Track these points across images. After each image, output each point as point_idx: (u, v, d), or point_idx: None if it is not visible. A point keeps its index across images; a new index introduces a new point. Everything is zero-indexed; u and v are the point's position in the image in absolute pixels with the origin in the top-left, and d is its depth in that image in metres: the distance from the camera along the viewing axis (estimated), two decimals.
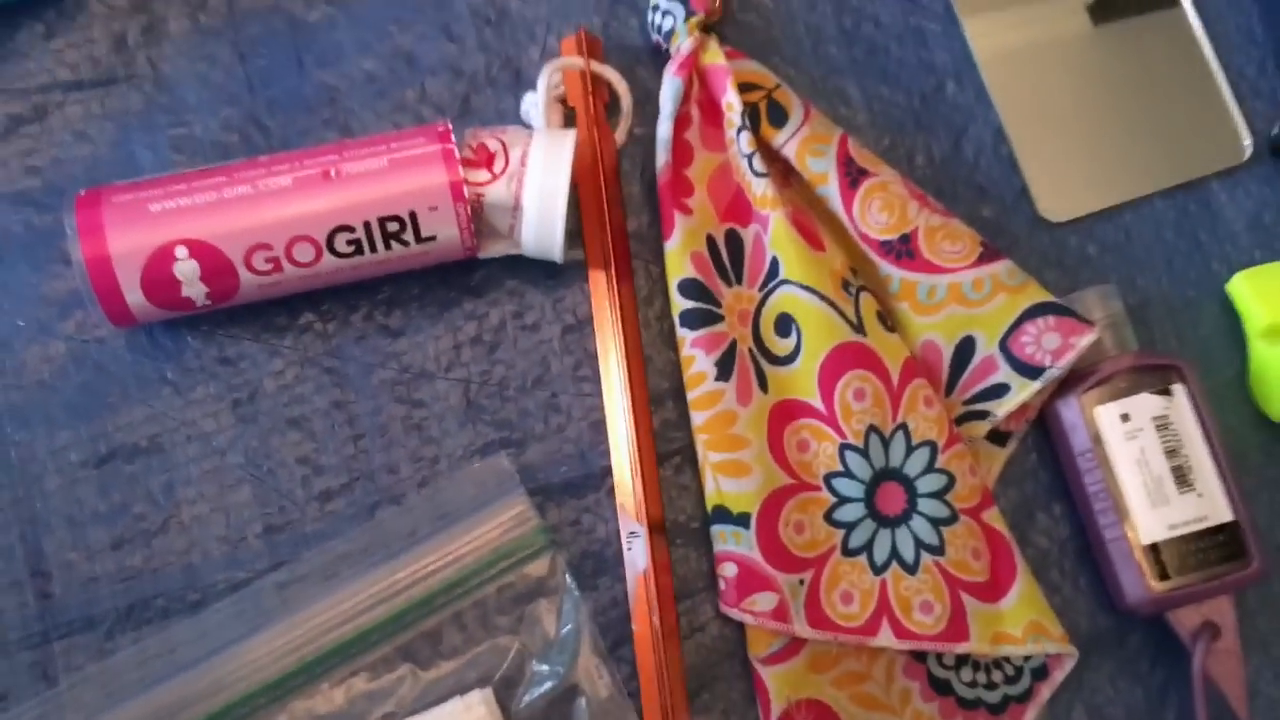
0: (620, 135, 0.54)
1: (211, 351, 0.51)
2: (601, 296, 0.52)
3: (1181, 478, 0.50)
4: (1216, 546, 0.50)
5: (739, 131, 0.52)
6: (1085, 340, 0.51)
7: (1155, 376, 0.51)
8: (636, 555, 0.50)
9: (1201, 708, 0.50)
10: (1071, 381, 0.52)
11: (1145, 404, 0.51)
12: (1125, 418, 0.51)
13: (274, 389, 0.51)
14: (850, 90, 0.56)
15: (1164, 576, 0.50)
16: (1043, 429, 0.54)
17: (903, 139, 0.56)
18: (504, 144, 0.49)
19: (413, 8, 0.55)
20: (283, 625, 0.49)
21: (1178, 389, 0.51)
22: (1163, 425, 0.51)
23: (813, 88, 0.56)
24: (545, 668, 0.50)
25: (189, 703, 0.48)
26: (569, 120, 0.54)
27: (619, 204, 0.54)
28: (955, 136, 0.56)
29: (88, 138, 0.53)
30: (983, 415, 0.52)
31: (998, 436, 0.54)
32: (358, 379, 0.52)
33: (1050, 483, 0.54)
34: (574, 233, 0.53)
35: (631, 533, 0.51)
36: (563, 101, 0.54)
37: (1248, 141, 0.57)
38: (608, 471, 0.52)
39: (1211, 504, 0.50)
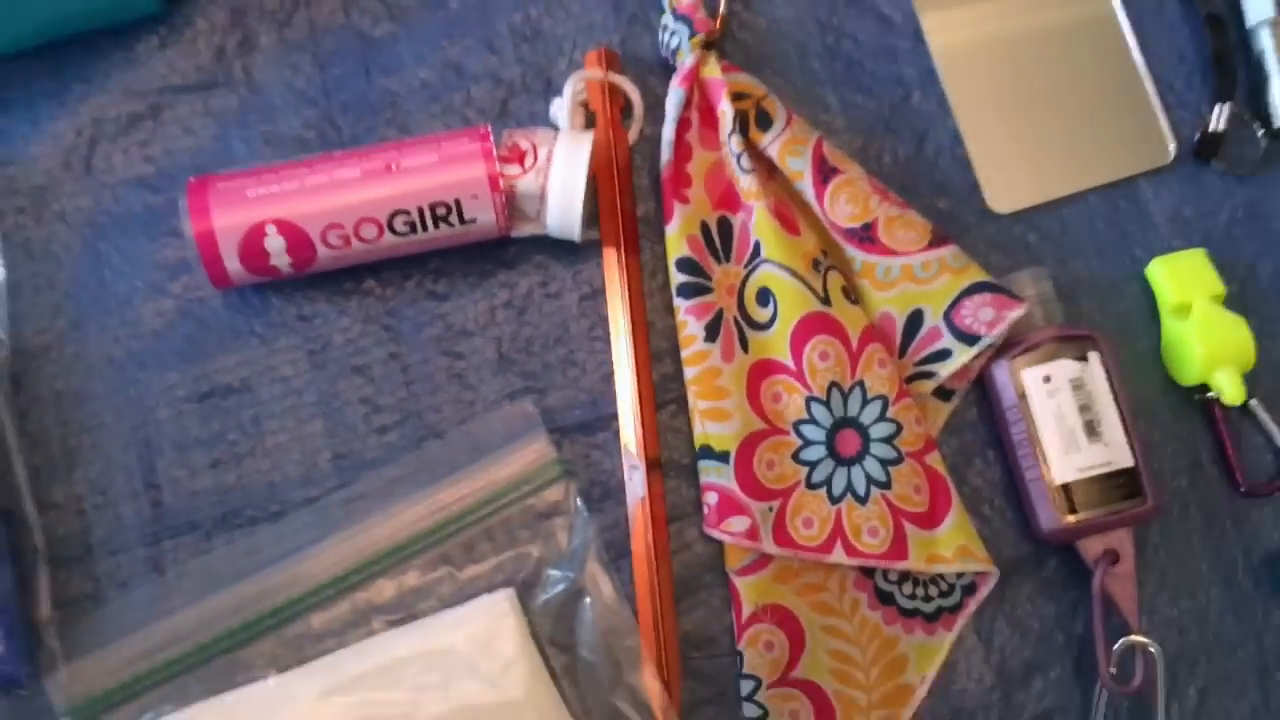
0: (632, 135, 0.65)
1: (292, 310, 0.63)
2: (613, 271, 0.63)
3: (1091, 430, 0.60)
4: (1118, 487, 0.60)
5: (730, 135, 0.62)
6: (1015, 314, 0.61)
7: (1074, 345, 0.61)
8: (635, 485, 0.61)
9: (1099, 618, 0.60)
10: (1005, 348, 0.62)
11: (1064, 368, 0.61)
12: (1047, 379, 0.61)
13: (341, 341, 0.63)
14: (830, 98, 0.66)
15: (1073, 510, 0.60)
16: (981, 388, 0.64)
17: (873, 141, 0.66)
18: (533, 143, 0.60)
19: (461, 25, 0.66)
20: (346, 532, 0.60)
21: (1093, 356, 0.61)
22: (1078, 386, 0.61)
23: (797, 96, 0.66)
24: (558, 573, 0.61)
25: (270, 592, 0.60)
26: (590, 122, 0.64)
27: (630, 193, 0.64)
28: (918, 139, 0.66)
29: (193, 132, 0.64)
30: (929, 375, 0.62)
31: (943, 393, 0.64)
32: (410, 335, 0.63)
33: (986, 433, 0.64)
34: (591, 216, 0.64)
35: (632, 466, 0.61)
36: (585, 106, 0.64)
37: (1173, 146, 0.66)
38: (614, 416, 0.62)
39: (1115, 452, 0.60)
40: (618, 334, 0.63)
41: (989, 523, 0.63)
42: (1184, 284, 0.63)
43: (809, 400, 0.61)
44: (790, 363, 0.61)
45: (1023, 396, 0.61)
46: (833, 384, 0.61)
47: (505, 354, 0.63)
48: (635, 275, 0.63)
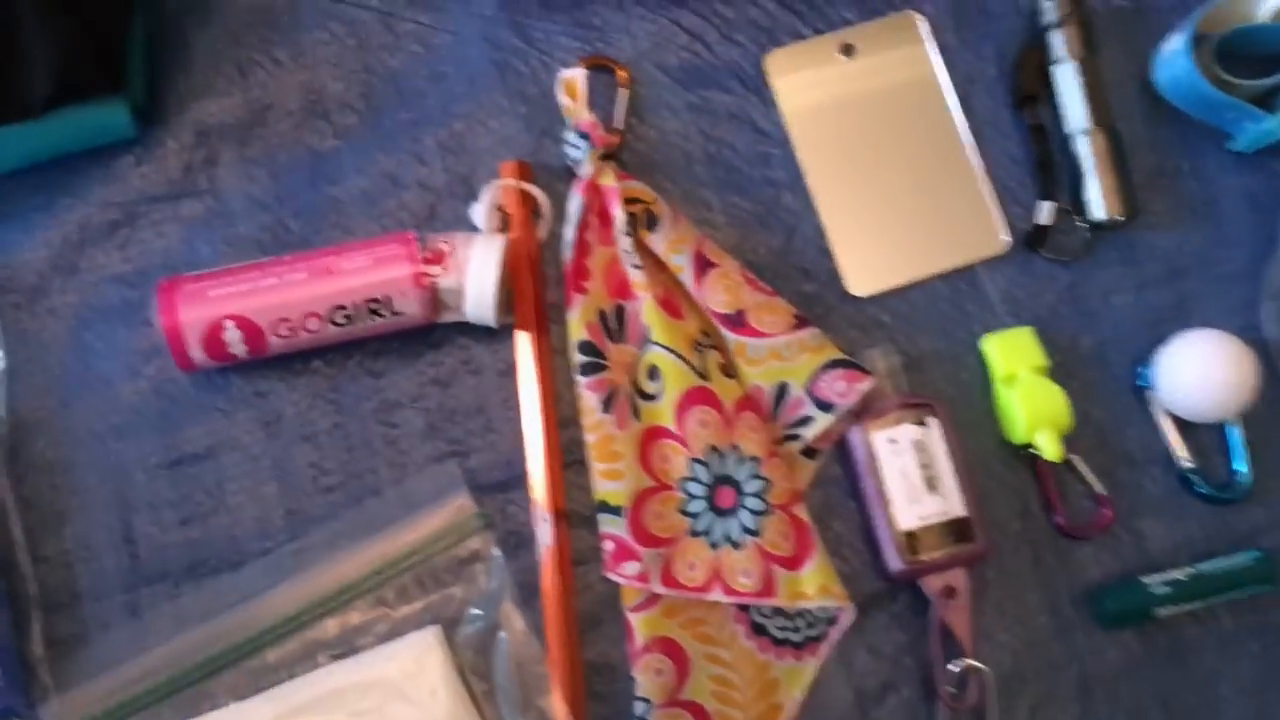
0: (542, 234, 0.75)
1: (249, 388, 0.73)
2: (525, 350, 0.73)
3: (931, 484, 0.71)
4: (953, 532, 0.70)
5: (623, 234, 0.72)
6: (864, 386, 0.71)
7: (916, 412, 0.72)
8: (544, 534, 0.71)
9: (936, 644, 0.70)
10: (859, 415, 0.73)
11: (907, 431, 0.71)
12: (893, 441, 0.72)
13: (292, 414, 0.73)
14: (712, 199, 0.77)
15: (915, 553, 0.70)
16: (843, 449, 0.74)
17: (749, 234, 0.77)
18: (453, 245, 0.71)
19: (394, 140, 0.76)
20: (296, 579, 0.70)
21: (932, 421, 0.72)
22: (920, 447, 0.71)
23: (684, 197, 0.77)
24: (478, 612, 0.71)
25: (231, 632, 0.70)
26: (506, 223, 0.75)
27: (541, 283, 0.75)
28: (788, 233, 0.77)
29: (164, 235, 0.75)
30: (796, 438, 0.73)
31: (810, 453, 0.74)
32: (351, 407, 0.73)
33: (847, 488, 0.74)
34: (508, 304, 0.74)
35: (542, 518, 0.72)
36: (501, 209, 0.75)
37: (1007, 238, 0.77)
38: (526, 475, 0.73)
39: (951, 503, 0.71)
40: (529, 404, 0.73)
41: (849, 563, 0.73)
42: (1011, 357, 0.74)
43: (692, 461, 0.71)
44: (676, 429, 0.72)
45: (873, 456, 0.72)
46: (712, 447, 0.71)
47: (433, 423, 0.73)
48: (545, 353, 0.74)
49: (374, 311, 0.70)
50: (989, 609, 0.73)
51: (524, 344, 0.74)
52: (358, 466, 0.73)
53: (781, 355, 0.72)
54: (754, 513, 0.71)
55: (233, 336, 0.69)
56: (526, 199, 0.75)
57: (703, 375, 0.72)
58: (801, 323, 0.73)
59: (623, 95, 0.77)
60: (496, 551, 0.72)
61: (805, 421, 0.72)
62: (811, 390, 0.72)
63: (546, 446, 0.72)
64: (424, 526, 0.72)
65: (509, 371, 0.74)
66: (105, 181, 0.75)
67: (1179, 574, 0.72)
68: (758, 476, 0.71)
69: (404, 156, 0.76)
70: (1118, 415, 0.76)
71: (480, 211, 0.74)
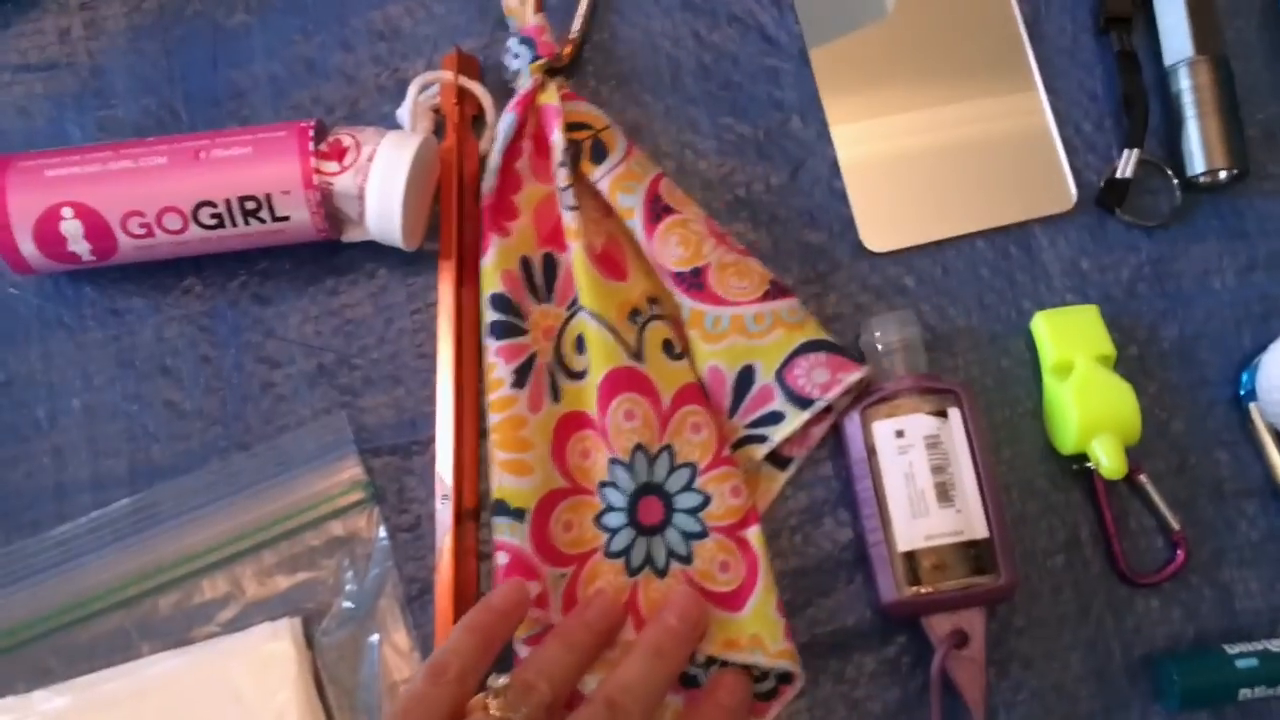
0: (483, 145, 0.60)
1: (104, 303, 0.59)
2: (446, 285, 0.58)
3: (944, 494, 0.54)
4: (968, 560, 0.53)
5: (559, 166, 0.57)
6: (852, 377, 0.55)
7: (935, 399, 0.55)
8: (445, 517, 0.56)
9: (936, 704, 0.53)
10: (860, 397, 0.56)
11: (919, 423, 0.55)
12: (900, 434, 0.55)
13: (152, 339, 0.59)
14: (701, 119, 0.61)
15: (915, 582, 0.53)
16: (840, 442, 0.58)
17: (744, 167, 0.61)
18: (357, 141, 0.56)
19: (318, 21, 0.62)
20: (131, 543, 0.56)
21: (953, 412, 0.55)
22: (933, 444, 0.54)
23: (666, 114, 0.61)
24: (350, 606, 0.56)
25: (41, 600, 0.56)
26: (440, 127, 0.60)
27: (476, 203, 0.60)
28: (794, 168, 0.61)
29: (29, 113, 0.62)
30: (761, 439, 0.56)
31: (780, 460, 0.58)
32: (226, 338, 0.59)
33: (841, 491, 0.58)
34: (434, 226, 0.60)
35: (444, 496, 0.56)
36: (437, 111, 0.60)
37: (1075, 191, 0.60)
38: (432, 440, 0.57)
39: (968, 520, 0.53)
40: (444, 354, 0.58)
41: (833, 590, 0.56)
42: (1068, 341, 0.57)
43: (611, 462, 0.55)
44: (598, 419, 0.56)
45: (872, 451, 0.55)
46: (638, 446, 0.55)
47: (326, 365, 0.59)
48: (472, 291, 0.59)
49: (250, 213, 0.55)
50: (1015, 667, 0.56)
51: (446, 277, 0.59)
52: (224, 412, 0.58)
53: (748, 330, 0.56)
54: (685, 534, 0.55)
55: (72, 229, 0.55)
56: (467, 100, 0.60)
57: (635, 354, 0.56)
58: (778, 291, 0.57)
59: None
60: (382, 533, 0.56)
61: (774, 418, 0.56)
62: (784, 378, 0.56)
63: (457, 407, 0.57)
64: (297, 492, 0.57)
65: (426, 310, 0.59)
66: None
67: (1273, 645, 0.54)
68: (693, 489, 0.55)
69: (326, 39, 0.62)
70: (1207, 431, 0.58)
71: (407, 110, 0.59)
